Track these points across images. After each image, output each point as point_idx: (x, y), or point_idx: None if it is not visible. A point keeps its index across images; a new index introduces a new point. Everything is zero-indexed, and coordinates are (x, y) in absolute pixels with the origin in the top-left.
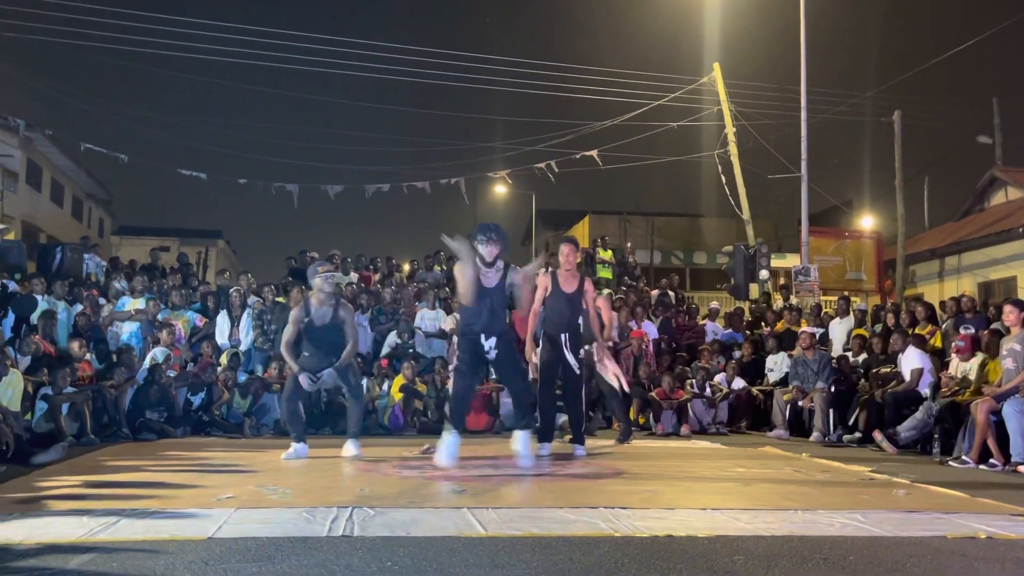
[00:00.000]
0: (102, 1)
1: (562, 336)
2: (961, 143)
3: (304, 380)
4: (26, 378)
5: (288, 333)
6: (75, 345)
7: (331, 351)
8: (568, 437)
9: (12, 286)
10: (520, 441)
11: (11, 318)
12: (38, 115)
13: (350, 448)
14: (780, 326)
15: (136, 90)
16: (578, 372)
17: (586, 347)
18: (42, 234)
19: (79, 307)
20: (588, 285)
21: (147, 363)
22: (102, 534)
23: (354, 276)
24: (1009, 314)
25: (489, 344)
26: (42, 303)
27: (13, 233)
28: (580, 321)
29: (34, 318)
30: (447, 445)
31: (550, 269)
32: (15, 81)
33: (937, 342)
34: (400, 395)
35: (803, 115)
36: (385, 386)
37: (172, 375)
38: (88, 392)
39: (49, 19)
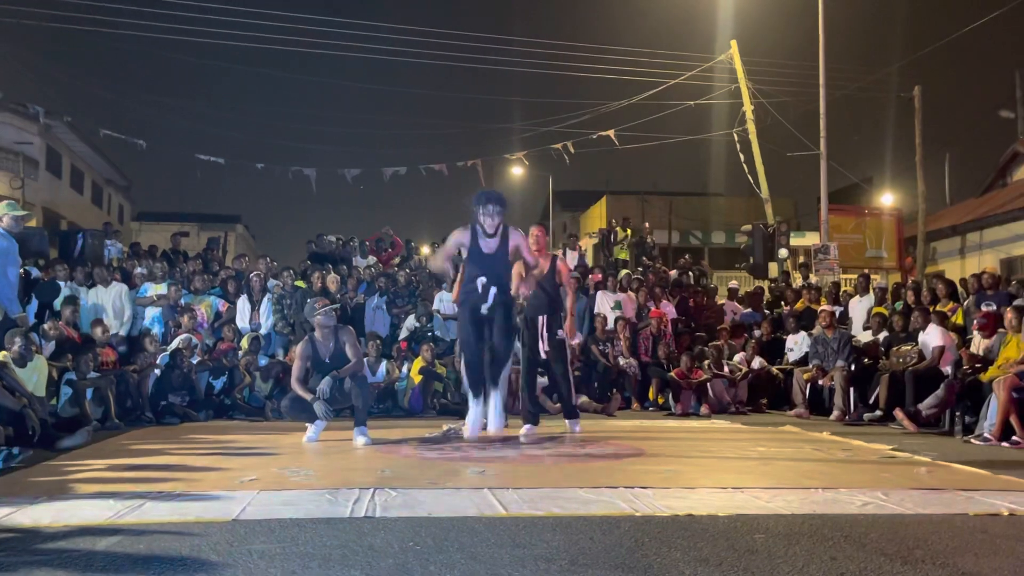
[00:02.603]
0: None
1: (540, 318)
2: (983, 118)
3: (320, 409)
4: (50, 363)
5: (297, 370)
6: (98, 330)
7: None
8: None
9: (35, 272)
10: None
11: (34, 304)
12: (57, 102)
13: (359, 439)
14: (800, 305)
15: (154, 76)
16: (561, 351)
17: (559, 331)
18: (63, 220)
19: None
20: (560, 264)
21: (172, 347)
22: (128, 516)
23: (372, 259)
24: None
25: (491, 295)
26: (64, 289)
27: (35, 220)
28: (557, 299)
29: (57, 304)
30: (470, 418)
31: None
32: (34, 69)
33: (958, 319)
34: (420, 377)
35: (822, 92)
36: (405, 368)
37: (195, 360)
38: (112, 377)
39: (67, 6)
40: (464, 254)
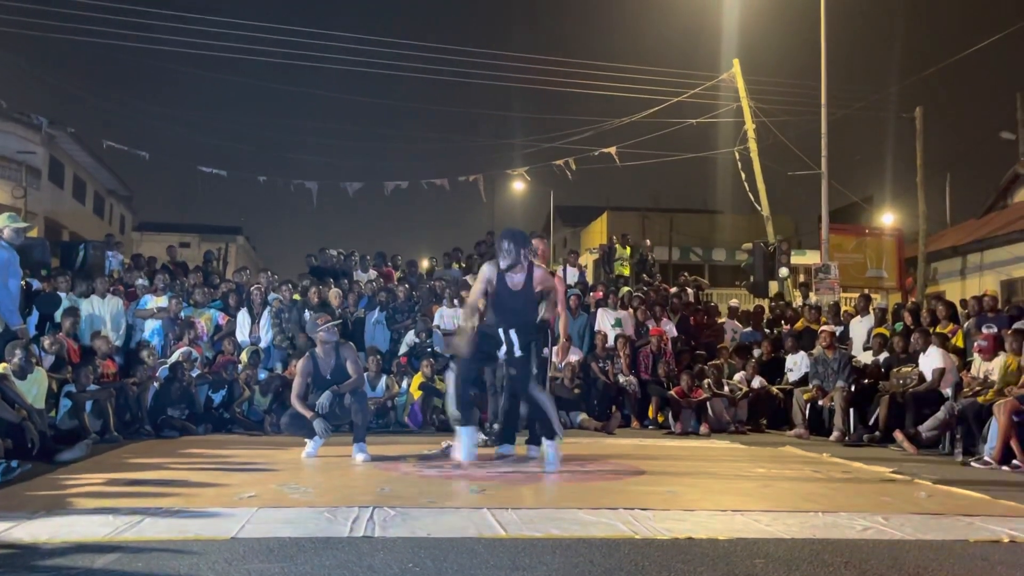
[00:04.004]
0: (124, 0)
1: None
2: (984, 139)
3: (320, 427)
4: (50, 375)
5: (297, 386)
6: (99, 343)
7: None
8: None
9: (36, 284)
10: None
11: (35, 316)
12: (60, 113)
13: (357, 455)
14: (800, 325)
15: (157, 88)
16: (541, 372)
17: (545, 350)
18: (65, 231)
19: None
20: (556, 280)
21: (172, 360)
22: (127, 533)
23: (373, 273)
24: None
25: (512, 339)
26: (65, 300)
27: (36, 230)
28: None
29: (57, 316)
30: (463, 442)
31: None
32: (38, 79)
33: (959, 341)
34: (419, 393)
35: (823, 112)
36: (404, 384)
37: (194, 373)
38: (111, 389)
39: (71, 18)
40: (490, 291)
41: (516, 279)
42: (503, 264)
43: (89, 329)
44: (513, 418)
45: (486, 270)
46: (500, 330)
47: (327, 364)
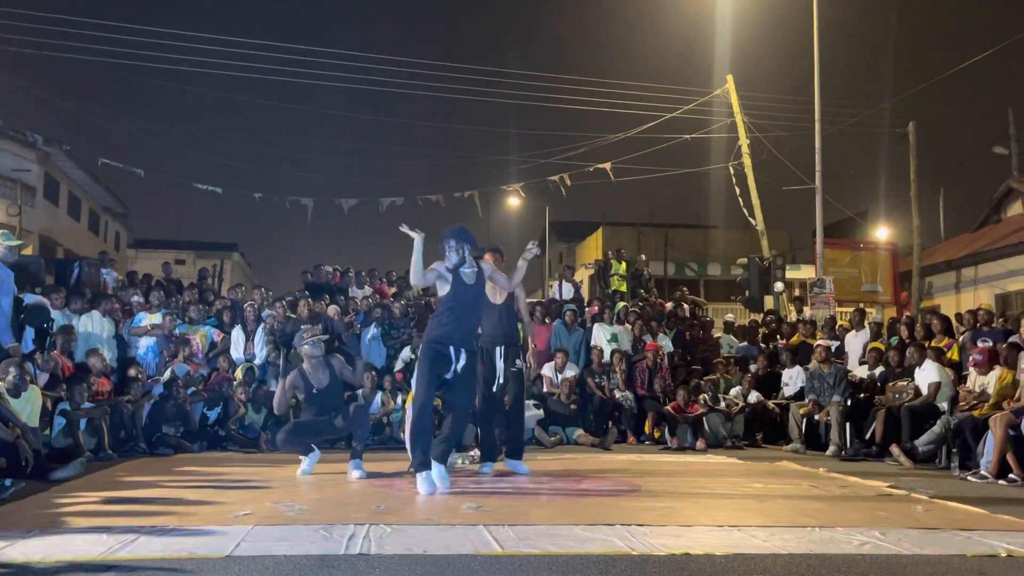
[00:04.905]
0: (119, 17)
1: (497, 349)
2: (977, 154)
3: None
4: (44, 393)
5: (280, 394)
6: (95, 360)
7: (332, 408)
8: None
9: (28, 298)
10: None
11: (30, 332)
12: (55, 130)
13: (353, 472)
14: (795, 339)
15: (152, 105)
16: (517, 384)
17: (518, 361)
18: (59, 248)
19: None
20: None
21: (165, 377)
22: (121, 552)
23: (368, 289)
24: None
25: (460, 361)
26: (59, 317)
27: (30, 247)
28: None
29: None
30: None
31: None
32: (33, 97)
33: (954, 355)
34: None
35: (817, 127)
36: (399, 400)
37: (189, 391)
38: (105, 407)
39: (67, 35)
40: (441, 289)
41: (468, 272)
42: (449, 265)
43: (84, 347)
44: (489, 433)
45: (438, 266)
46: (451, 347)
47: (316, 378)
